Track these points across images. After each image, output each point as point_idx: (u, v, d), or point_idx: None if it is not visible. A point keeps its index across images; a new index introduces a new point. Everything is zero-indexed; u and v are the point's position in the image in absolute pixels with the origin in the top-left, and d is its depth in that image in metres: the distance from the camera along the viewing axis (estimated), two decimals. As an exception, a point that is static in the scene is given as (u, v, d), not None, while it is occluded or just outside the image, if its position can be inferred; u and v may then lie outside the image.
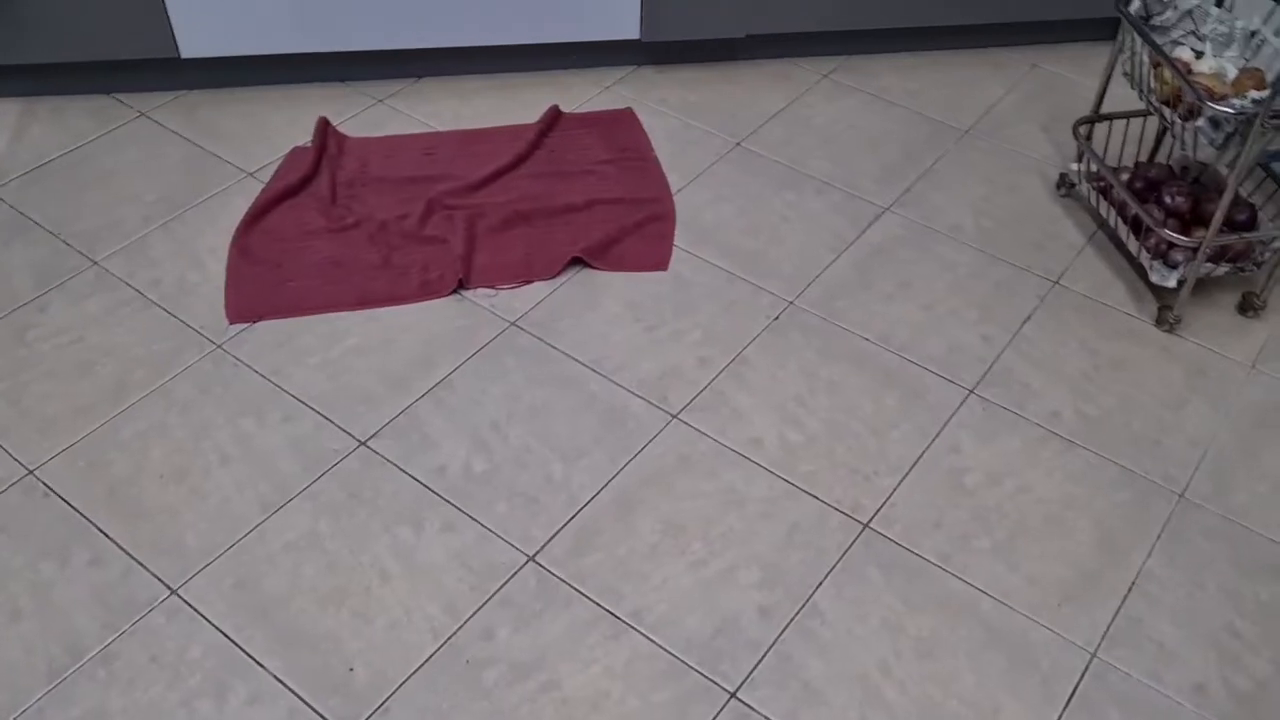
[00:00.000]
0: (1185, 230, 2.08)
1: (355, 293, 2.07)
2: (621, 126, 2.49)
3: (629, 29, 2.56)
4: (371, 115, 2.51)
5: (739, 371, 1.96)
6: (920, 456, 1.83)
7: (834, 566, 1.66)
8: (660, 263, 2.16)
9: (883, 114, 2.59)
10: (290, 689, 1.50)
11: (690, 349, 1.99)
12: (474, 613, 1.59)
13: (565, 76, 2.65)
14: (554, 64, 2.67)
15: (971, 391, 1.94)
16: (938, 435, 1.86)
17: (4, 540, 1.67)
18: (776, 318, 2.06)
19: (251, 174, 2.35)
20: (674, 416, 1.88)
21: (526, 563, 1.66)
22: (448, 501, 1.73)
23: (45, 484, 1.74)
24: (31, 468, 1.77)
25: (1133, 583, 1.66)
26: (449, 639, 1.56)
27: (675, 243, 2.21)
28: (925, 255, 2.21)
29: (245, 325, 2.01)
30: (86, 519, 1.70)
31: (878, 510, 1.74)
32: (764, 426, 1.86)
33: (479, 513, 1.72)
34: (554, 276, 2.12)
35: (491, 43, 2.53)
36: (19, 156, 2.38)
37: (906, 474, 1.80)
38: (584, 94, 2.60)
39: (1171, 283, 2.04)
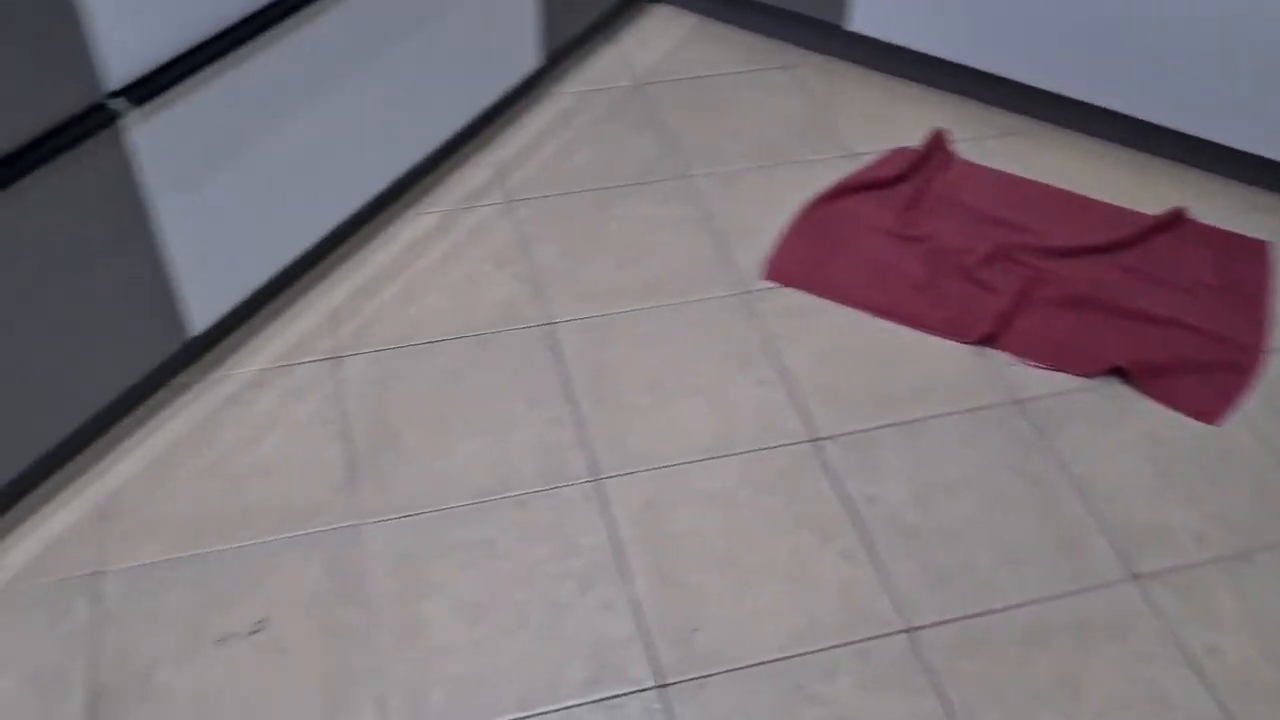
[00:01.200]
0: None
1: (886, 299, 2.05)
2: (1246, 257, 2.19)
3: (1314, 158, 2.23)
4: (987, 144, 2.44)
5: (1238, 569, 1.67)
6: None
7: (1229, 833, 1.39)
8: (1211, 414, 1.89)
9: None
10: (639, 618, 1.57)
11: (1194, 517, 1.74)
12: (828, 647, 1.54)
13: (1209, 180, 2.37)
14: (1202, 162, 2.39)
15: None
16: None
17: (501, 370, 1.90)
18: (1316, 536, 1.72)
19: (853, 155, 2.39)
20: (1135, 577, 1.65)
21: (902, 631, 1.57)
22: (862, 532, 1.69)
23: (555, 338, 1.96)
24: (553, 320, 1.99)
25: None
26: (792, 656, 1.53)
27: (1240, 402, 1.92)
28: None
29: (775, 285, 2.08)
30: (567, 383, 1.88)
31: (1320, 806, 1.42)
32: (1232, 640, 1.58)
33: (886, 558, 1.65)
34: (1087, 376, 1.94)
35: (1150, 118, 2.33)
36: (676, 62, 2.63)
37: (1382, 789, 1.44)
38: (1221, 207, 2.31)
39: None
